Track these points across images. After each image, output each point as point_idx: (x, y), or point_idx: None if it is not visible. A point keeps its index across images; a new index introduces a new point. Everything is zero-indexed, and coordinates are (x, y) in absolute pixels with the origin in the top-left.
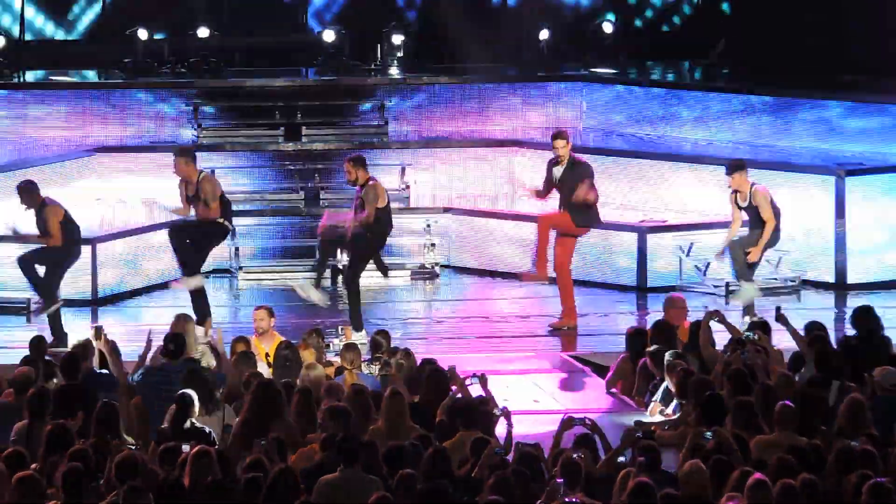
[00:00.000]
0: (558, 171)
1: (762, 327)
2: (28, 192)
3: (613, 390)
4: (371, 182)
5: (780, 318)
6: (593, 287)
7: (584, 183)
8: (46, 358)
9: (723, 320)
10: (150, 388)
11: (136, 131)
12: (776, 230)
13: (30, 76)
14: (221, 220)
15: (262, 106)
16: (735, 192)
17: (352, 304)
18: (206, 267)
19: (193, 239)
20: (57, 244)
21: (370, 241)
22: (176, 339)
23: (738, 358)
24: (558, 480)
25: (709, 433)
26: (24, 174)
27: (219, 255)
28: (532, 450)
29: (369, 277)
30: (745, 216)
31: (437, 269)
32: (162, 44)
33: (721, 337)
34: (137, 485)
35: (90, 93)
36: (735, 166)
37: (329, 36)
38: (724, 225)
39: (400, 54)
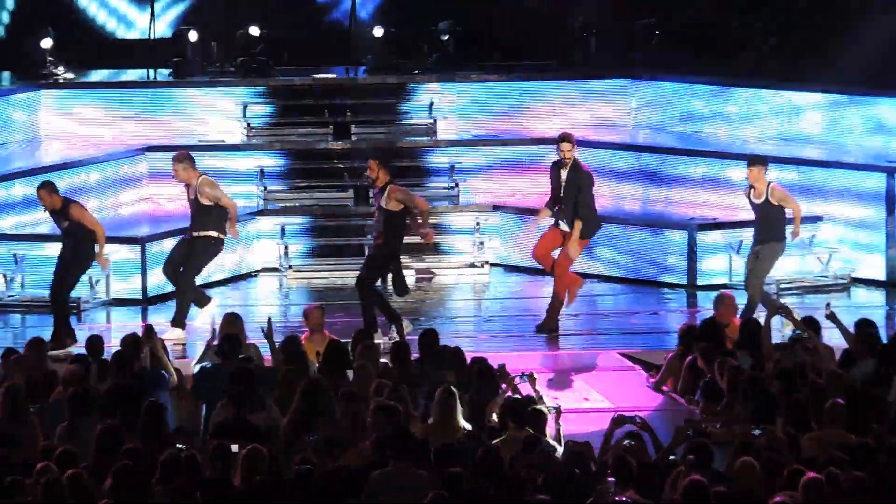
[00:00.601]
0: (565, 174)
1: (812, 325)
2: (49, 193)
3: (664, 388)
4: (392, 186)
5: (830, 316)
6: (643, 285)
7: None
8: (102, 357)
9: (789, 315)
10: (207, 390)
11: (185, 130)
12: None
13: (90, 74)
14: (216, 234)
15: (310, 104)
16: (751, 187)
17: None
18: (257, 264)
19: (189, 254)
20: (102, 231)
21: (380, 249)
22: (230, 340)
23: (788, 356)
24: (609, 479)
25: (758, 430)
26: (74, 174)
27: (267, 253)
28: (582, 448)
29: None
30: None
31: (486, 267)
32: (210, 42)
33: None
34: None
35: (140, 92)
36: (756, 160)
37: (378, 32)
38: None
39: (448, 50)
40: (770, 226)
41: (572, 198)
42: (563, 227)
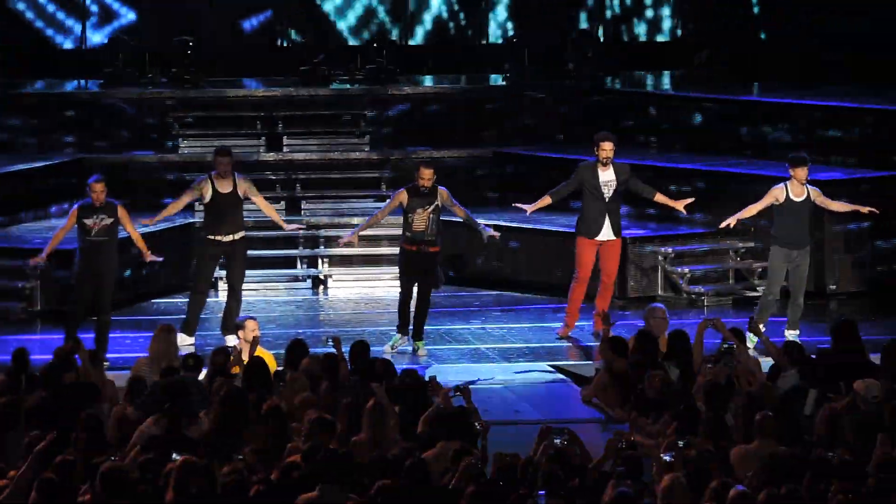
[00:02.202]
0: (605, 174)
1: (738, 336)
2: (104, 187)
3: (594, 400)
4: (441, 188)
5: (753, 329)
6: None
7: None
8: (29, 369)
9: (720, 328)
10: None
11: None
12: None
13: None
14: (211, 236)
15: (242, 115)
16: (787, 185)
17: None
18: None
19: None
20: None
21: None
22: (195, 355)
23: (721, 369)
24: (539, 494)
25: (681, 443)
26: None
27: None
28: (511, 460)
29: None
30: (788, 210)
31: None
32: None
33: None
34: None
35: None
36: (804, 160)
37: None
38: None
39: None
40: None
41: (620, 198)
42: (611, 235)
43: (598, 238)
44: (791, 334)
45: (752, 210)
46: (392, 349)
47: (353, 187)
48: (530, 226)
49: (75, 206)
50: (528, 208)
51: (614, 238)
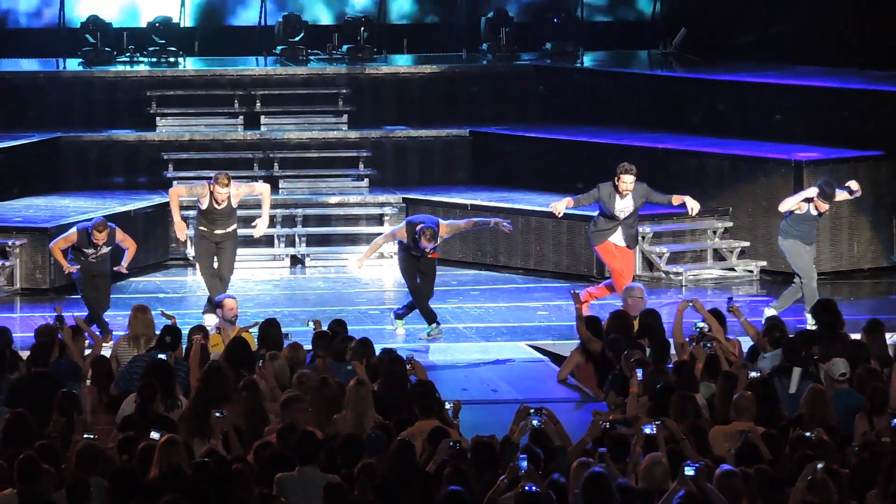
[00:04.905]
0: (622, 202)
1: (718, 317)
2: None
3: (570, 380)
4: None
5: (733, 310)
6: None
7: None
8: (11, 348)
9: (699, 308)
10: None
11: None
12: None
13: None
14: (203, 228)
15: (220, 94)
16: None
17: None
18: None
19: None
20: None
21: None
22: (172, 332)
23: (700, 349)
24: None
25: (653, 424)
26: None
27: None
28: (488, 440)
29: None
30: (806, 219)
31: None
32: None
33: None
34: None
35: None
36: (830, 197)
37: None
38: None
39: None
40: None
41: (635, 218)
42: (622, 242)
43: (611, 240)
44: (771, 312)
45: (788, 204)
46: (427, 336)
47: (331, 166)
48: (508, 205)
49: (75, 230)
50: (558, 207)
51: (625, 245)
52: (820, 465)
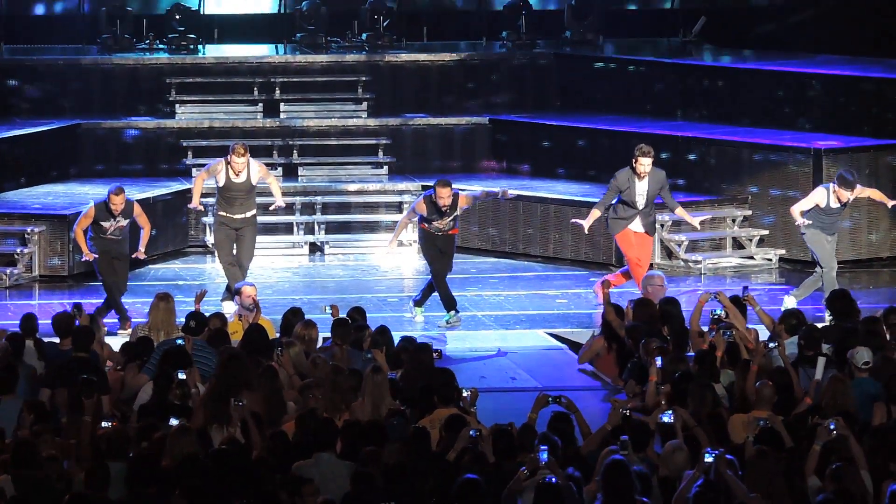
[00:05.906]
0: (643, 185)
1: (740, 307)
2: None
3: (589, 368)
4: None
5: (748, 299)
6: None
7: None
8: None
9: (724, 300)
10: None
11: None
12: None
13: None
14: (223, 213)
15: (240, 81)
16: (828, 193)
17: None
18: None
19: None
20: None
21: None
22: (197, 317)
23: (720, 337)
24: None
25: (670, 413)
26: None
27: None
28: (507, 428)
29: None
30: (826, 212)
31: (413, 245)
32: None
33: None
34: None
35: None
36: (851, 185)
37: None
38: None
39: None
40: None
41: (652, 205)
42: (640, 229)
43: (630, 227)
44: (790, 300)
45: (800, 208)
46: (446, 324)
47: (351, 154)
48: (528, 192)
49: (92, 204)
50: (585, 225)
51: (644, 232)
52: (832, 426)
